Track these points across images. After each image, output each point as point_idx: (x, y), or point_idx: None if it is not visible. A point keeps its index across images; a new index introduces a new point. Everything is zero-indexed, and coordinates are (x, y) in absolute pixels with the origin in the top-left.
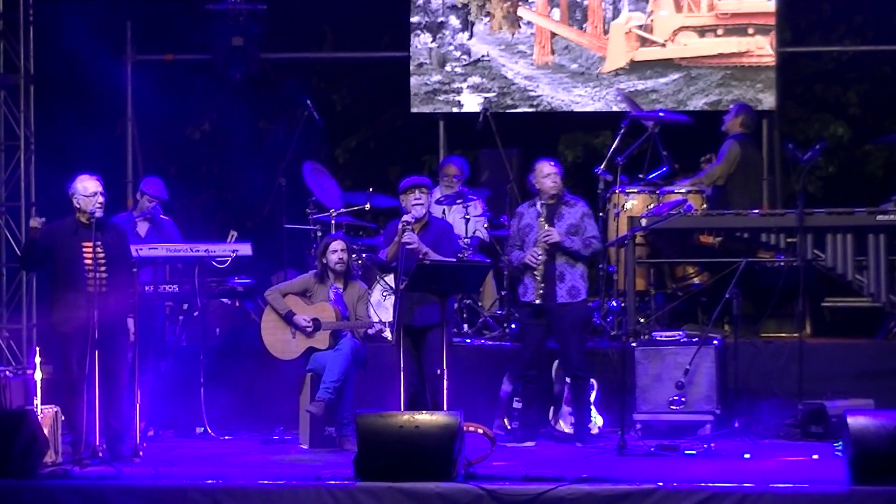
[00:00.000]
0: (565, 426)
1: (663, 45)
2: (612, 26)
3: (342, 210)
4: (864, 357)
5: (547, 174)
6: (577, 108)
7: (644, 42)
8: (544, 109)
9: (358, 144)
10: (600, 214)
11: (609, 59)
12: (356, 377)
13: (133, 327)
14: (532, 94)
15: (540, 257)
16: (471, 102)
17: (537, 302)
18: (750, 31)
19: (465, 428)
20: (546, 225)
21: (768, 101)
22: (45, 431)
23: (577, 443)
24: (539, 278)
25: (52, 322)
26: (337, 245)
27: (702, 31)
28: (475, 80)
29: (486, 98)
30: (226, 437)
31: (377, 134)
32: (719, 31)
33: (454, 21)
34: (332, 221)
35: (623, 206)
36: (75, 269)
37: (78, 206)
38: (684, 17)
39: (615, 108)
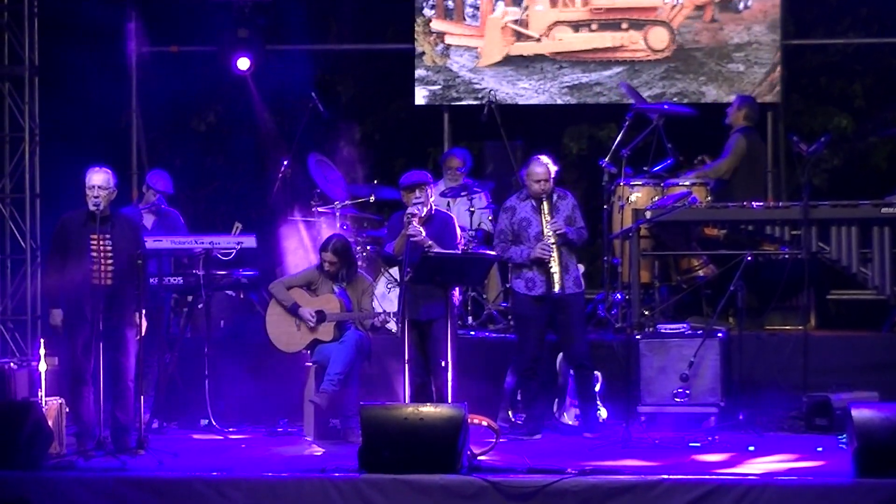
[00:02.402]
0: (570, 419)
1: (538, 40)
2: (489, 21)
3: (347, 202)
4: (868, 350)
5: (538, 180)
6: (521, 101)
7: (519, 36)
8: (487, 102)
9: (363, 136)
10: (605, 207)
11: (485, 54)
12: (361, 369)
13: (142, 322)
14: (477, 87)
15: (551, 250)
16: (418, 95)
17: (556, 292)
18: (624, 26)
19: (469, 420)
20: (549, 217)
21: (711, 94)
22: (50, 423)
23: (585, 433)
24: (553, 271)
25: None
26: (326, 256)
27: (576, 25)
28: (421, 72)
29: (431, 91)
30: (230, 429)
31: (382, 126)
32: (593, 26)
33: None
34: (337, 213)
35: (628, 199)
36: (83, 261)
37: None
38: (559, 12)
39: (559, 101)
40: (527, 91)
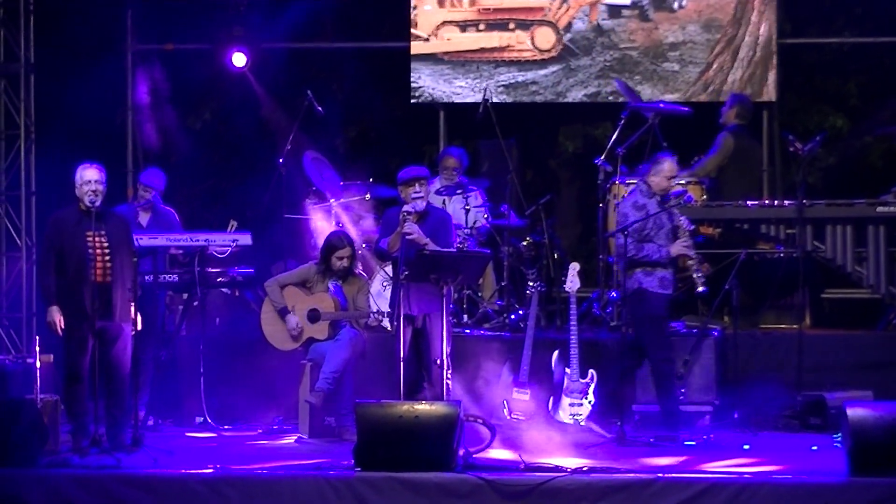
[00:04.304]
0: (565, 416)
1: (426, 40)
2: None
3: (342, 200)
4: (863, 348)
5: (671, 177)
6: (457, 100)
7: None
8: (425, 101)
9: (358, 134)
10: (600, 205)
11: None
12: (355, 367)
13: (137, 317)
14: (414, 84)
15: (692, 247)
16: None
17: (701, 290)
18: (510, 26)
19: (464, 418)
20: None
21: (646, 92)
22: (45, 420)
23: (669, 435)
24: (695, 266)
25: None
26: (344, 253)
27: (464, 25)
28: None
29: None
30: (225, 427)
31: (378, 124)
32: (481, 26)
33: None
34: (333, 212)
35: (623, 197)
36: (80, 258)
37: (77, 195)
38: (447, 12)
39: (495, 100)
40: (463, 90)
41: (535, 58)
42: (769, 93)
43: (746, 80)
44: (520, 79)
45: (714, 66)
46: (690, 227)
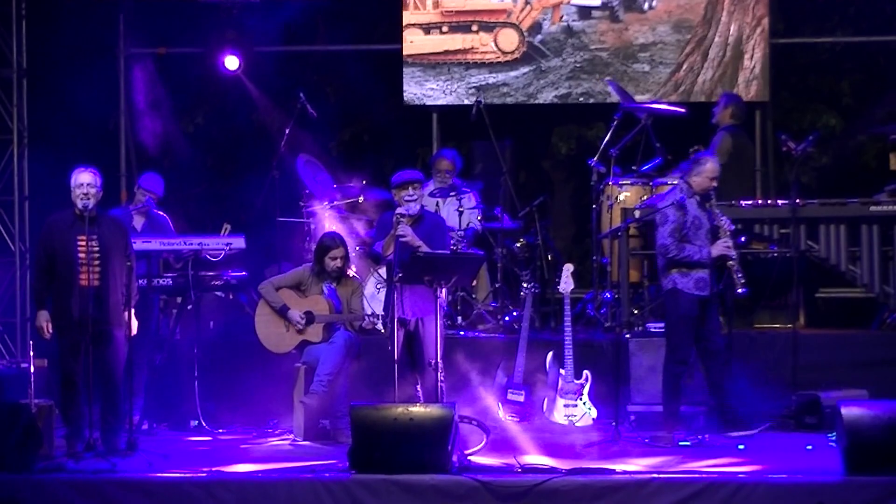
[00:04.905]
0: (560, 417)
1: None
2: None
3: (336, 202)
4: (857, 347)
5: (713, 177)
6: (428, 102)
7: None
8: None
9: (352, 137)
10: (593, 206)
11: None
12: (350, 370)
13: (132, 322)
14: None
15: (733, 248)
16: None
17: (741, 291)
18: (474, 28)
19: (458, 420)
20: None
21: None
22: (40, 425)
23: (730, 431)
24: (735, 267)
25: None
26: (337, 253)
27: (427, 28)
28: None
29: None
30: (220, 430)
31: (371, 127)
32: (444, 29)
33: None
34: (326, 214)
35: (616, 198)
36: (69, 262)
37: (72, 198)
38: (410, 15)
39: (466, 102)
40: (434, 92)
41: (499, 59)
42: (739, 93)
43: (717, 81)
44: (490, 80)
45: (684, 66)
46: (731, 227)
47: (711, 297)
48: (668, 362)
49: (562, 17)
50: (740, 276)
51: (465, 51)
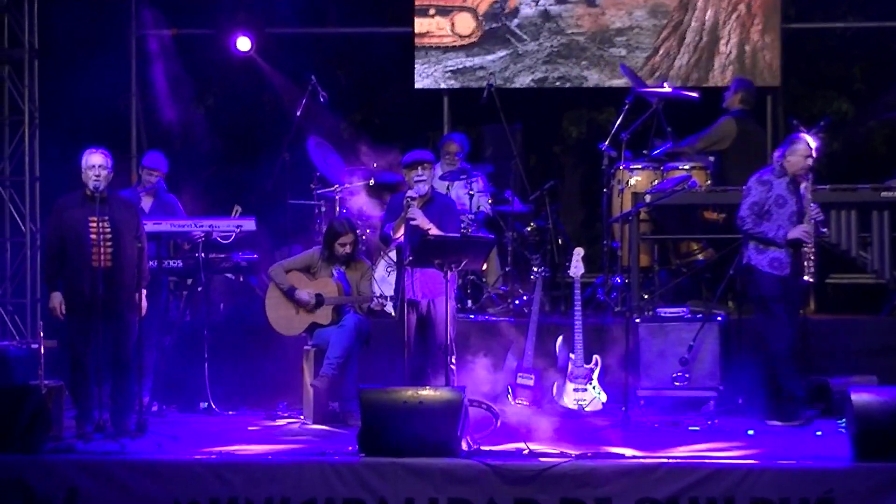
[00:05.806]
0: (569, 402)
1: None
2: None
3: (346, 185)
4: (867, 333)
5: (807, 156)
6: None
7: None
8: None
9: (362, 119)
10: (604, 190)
11: None
12: (360, 352)
13: (143, 303)
14: None
15: (812, 234)
16: None
17: (806, 280)
18: (431, 12)
19: (468, 403)
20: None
21: (593, 78)
22: (50, 406)
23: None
24: (811, 257)
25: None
26: (346, 239)
27: None
28: None
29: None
30: (229, 413)
31: (381, 110)
32: None
33: None
34: (336, 197)
35: (627, 182)
36: (81, 244)
37: (83, 179)
38: None
39: (443, 85)
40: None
41: (456, 43)
42: (715, 78)
43: (693, 66)
44: (468, 64)
45: (661, 51)
46: (821, 217)
47: (794, 280)
48: (769, 345)
49: (519, 3)
50: (810, 264)
51: (421, 34)
